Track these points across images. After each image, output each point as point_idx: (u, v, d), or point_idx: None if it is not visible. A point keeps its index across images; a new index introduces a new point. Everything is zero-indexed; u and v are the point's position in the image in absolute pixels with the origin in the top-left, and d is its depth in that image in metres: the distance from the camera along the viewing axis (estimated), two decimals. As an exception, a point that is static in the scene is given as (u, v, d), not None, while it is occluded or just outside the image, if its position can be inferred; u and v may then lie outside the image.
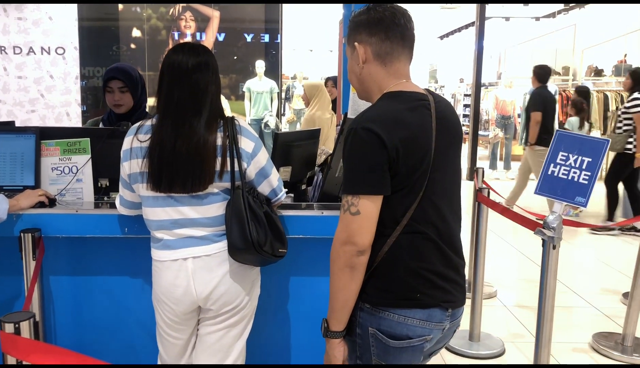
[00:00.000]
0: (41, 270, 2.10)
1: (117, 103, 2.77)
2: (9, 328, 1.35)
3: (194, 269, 1.86)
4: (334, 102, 6.06)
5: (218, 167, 1.82)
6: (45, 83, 8.11)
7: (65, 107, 8.21)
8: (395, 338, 1.49)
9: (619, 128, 6.16)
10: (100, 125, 2.86)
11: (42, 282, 2.18)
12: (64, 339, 2.31)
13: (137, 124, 1.91)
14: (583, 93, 7.41)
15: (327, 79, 6.24)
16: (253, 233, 1.81)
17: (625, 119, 6.08)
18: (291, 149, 2.47)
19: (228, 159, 1.83)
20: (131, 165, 1.87)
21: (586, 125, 6.85)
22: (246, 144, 1.88)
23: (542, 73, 6.64)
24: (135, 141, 1.86)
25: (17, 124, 2.87)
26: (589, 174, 2.41)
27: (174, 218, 1.85)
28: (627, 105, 6.14)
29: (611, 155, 6.40)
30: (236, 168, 1.84)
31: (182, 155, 1.79)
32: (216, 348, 1.97)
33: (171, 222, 1.86)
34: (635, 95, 6.01)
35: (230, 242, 1.84)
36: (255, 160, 1.89)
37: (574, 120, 6.86)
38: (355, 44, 1.58)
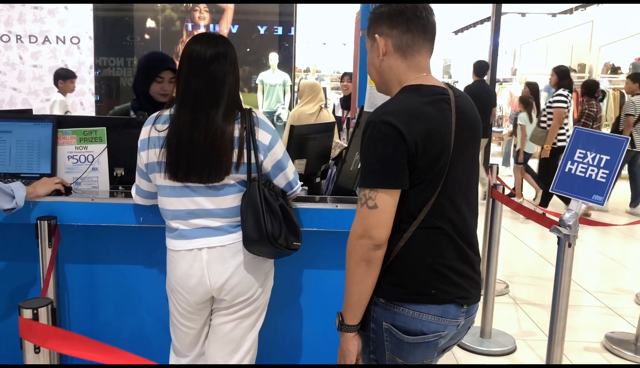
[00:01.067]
0: (57, 257, 2.11)
1: (164, 93, 2.75)
2: (28, 314, 1.36)
3: (208, 259, 1.86)
4: (349, 97, 6.06)
5: (235, 158, 1.82)
6: (60, 72, 8.14)
7: (79, 97, 8.25)
8: (409, 333, 1.48)
9: (544, 122, 6.57)
10: (131, 113, 2.83)
11: (58, 269, 2.20)
12: (78, 326, 2.33)
13: (155, 114, 1.91)
14: (532, 89, 7.93)
15: (344, 74, 6.24)
16: (268, 226, 1.81)
17: (549, 113, 6.47)
18: (306, 141, 2.47)
19: (245, 151, 1.83)
20: (149, 155, 1.88)
21: (534, 119, 7.05)
22: (263, 136, 1.87)
23: (478, 67, 7.25)
24: (153, 131, 1.86)
25: (33, 112, 2.88)
26: (607, 172, 2.38)
27: (190, 208, 1.86)
28: (550, 100, 6.56)
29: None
30: (253, 160, 1.84)
31: (199, 145, 1.80)
32: (228, 339, 1.98)
33: (187, 212, 1.86)
34: (560, 91, 6.44)
35: (245, 234, 1.84)
36: (272, 152, 1.89)
37: (523, 115, 7.32)
38: (376, 36, 1.56)
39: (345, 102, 6.11)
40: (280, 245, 1.86)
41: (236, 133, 1.83)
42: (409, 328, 1.48)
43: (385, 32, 1.54)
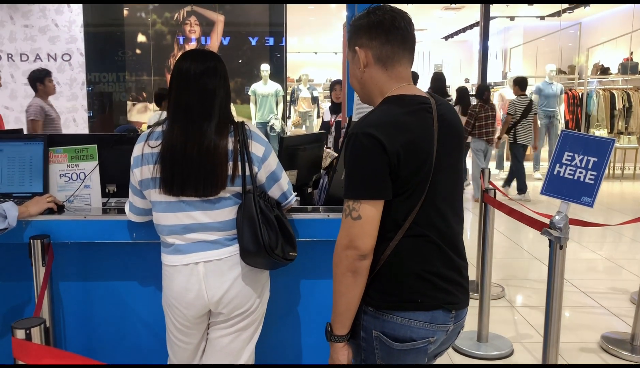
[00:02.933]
0: (50, 276, 2.12)
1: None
2: (20, 334, 1.37)
3: (205, 273, 1.87)
4: (340, 105, 6.10)
5: (230, 171, 1.84)
6: (52, 89, 8.15)
7: (72, 113, 8.27)
8: (399, 340, 1.49)
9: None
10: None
11: (52, 287, 2.20)
12: (74, 344, 2.33)
13: (147, 131, 1.93)
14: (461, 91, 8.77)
15: (335, 83, 6.27)
16: (265, 237, 1.83)
17: (509, 114, 7.87)
18: (297, 152, 2.48)
19: (239, 164, 1.85)
20: (142, 172, 1.89)
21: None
22: (257, 149, 1.89)
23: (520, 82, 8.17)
24: (146, 147, 1.87)
25: (24, 131, 2.89)
26: (594, 173, 2.40)
27: (186, 223, 1.87)
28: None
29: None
30: (247, 172, 1.86)
31: (193, 158, 1.81)
32: (226, 352, 1.98)
33: (182, 227, 1.87)
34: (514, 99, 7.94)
35: (242, 246, 1.86)
36: (265, 164, 1.91)
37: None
38: (356, 48, 1.58)
39: (334, 107, 6.17)
40: (277, 256, 1.87)
41: (230, 146, 1.84)
42: (398, 336, 1.49)
43: (365, 44, 1.56)
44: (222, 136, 1.84)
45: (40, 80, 5.86)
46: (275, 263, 1.92)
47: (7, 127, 7.78)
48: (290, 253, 1.94)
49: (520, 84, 8.04)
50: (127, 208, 2.06)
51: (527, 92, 10.10)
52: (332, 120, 6.46)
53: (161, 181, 1.84)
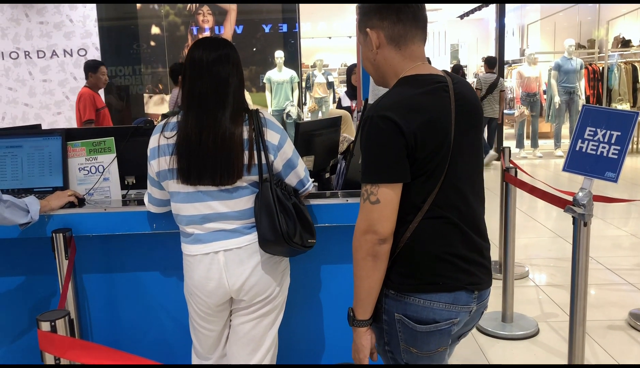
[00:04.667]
0: (74, 268, 2.14)
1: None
2: (45, 326, 1.39)
3: (225, 262, 1.87)
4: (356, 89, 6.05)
5: (246, 160, 1.83)
6: (70, 85, 8.26)
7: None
8: (422, 322, 1.48)
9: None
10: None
11: (75, 280, 2.23)
12: (99, 336, 2.37)
13: (162, 122, 1.93)
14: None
15: (353, 66, 6.20)
16: (282, 226, 1.83)
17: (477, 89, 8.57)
18: (313, 138, 2.47)
19: (255, 152, 1.84)
20: (159, 163, 1.89)
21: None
22: (272, 136, 1.89)
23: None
24: (162, 139, 1.88)
25: (44, 127, 2.92)
26: (618, 148, 2.35)
27: (204, 213, 1.87)
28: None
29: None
30: (263, 161, 1.86)
31: (209, 147, 1.81)
32: (249, 338, 1.99)
33: (201, 217, 1.88)
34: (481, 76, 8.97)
35: (260, 234, 1.86)
36: (281, 152, 1.91)
37: None
38: (367, 30, 1.55)
39: (354, 91, 6.12)
40: (296, 244, 1.87)
41: (245, 135, 1.84)
42: (421, 318, 1.48)
43: (376, 25, 1.53)
44: (237, 124, 1.83)
45: (93, 69, 5.79)
46: (294, 251, 1.92)
47: (28, 123, 7.89)
48: (309, 241, 1.93)
49: (488, 62, 9.24)
50: (146, 200, 2.07)
51: (546, 68, 9.98)
52: (354, 105, 6.40)
53: (178, 171, 1.84)
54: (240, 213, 1.88)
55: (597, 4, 11.24)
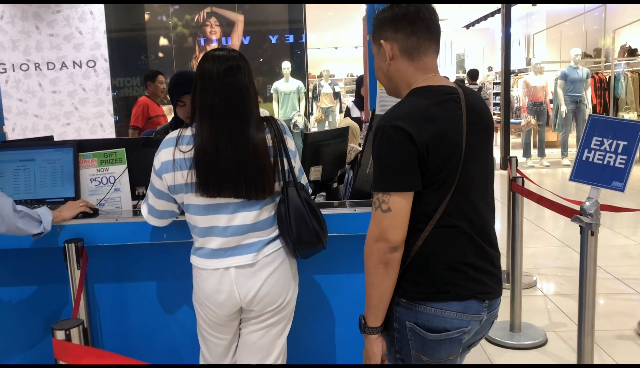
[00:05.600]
0: (86, 278, 2.17)
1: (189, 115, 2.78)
2: (60, 335, 1.41)
3: (236, 275, 1.88)
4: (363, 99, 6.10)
5: (273, 171, 1.87)
6: (79, 96, 8.33)
7: (98, 119, 8.41)
8: (432, 331, 1.49)
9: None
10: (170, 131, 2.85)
11: (87, 289, 2.25)
12: (111, 344, 2.38)
13: (174, 135, 1.90)
14: None
15: (362, 78, 6.24)
16: (316, 226, 1.88)
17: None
18: (321, 148, 2.49)
19: (278, 159, 1.88)
20: (175, 177, 1.86)
21: None
22: (290, 143, 1.94)
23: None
24: (177, 152, 1.85)
25: (54, 138, 2.96)
26: (625, 157, 2.36)
27: (223, 225, 1.86)
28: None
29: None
30: (286, 166, 1.89)
31: (228, 158, 1.81)
32: (258, 347, 2.00)
33: (221, 229, 1.87)
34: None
35: (295, 238, 1.87)
36: (297, 158, 1.96)
37: None
38: (381, 41, 1.58)
39: (362, 102, 6.17)
40: (324, 242, 1.93)
41: (269, 143, 1.87)
42: (432, 326, 1.49)
43: (390, 37, 1.56)
44: (260, 134, 1.85)
45: (151, 78, 5.90)
46: (315, 251, 1.96)
47: (38, 134, 7.97)
48: (326, 238, 1.98)
49: (471, 74, 10.34)
50: (145, 212, 2.02)
51: (552, 77, 9.98)
52: (363, 116, 6.42)
53: (197, 185, 1.83)
54: (262, 223, 1.89)
55: (604, 13, 11.25)
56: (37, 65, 8.21)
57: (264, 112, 2.26)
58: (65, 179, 2.39)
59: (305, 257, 1.95)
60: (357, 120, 6.14)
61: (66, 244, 2.11)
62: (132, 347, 2.38)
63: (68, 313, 2.35)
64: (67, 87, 8.28)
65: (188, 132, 1.88)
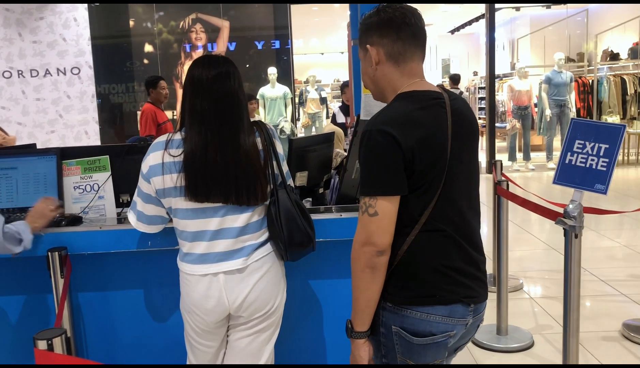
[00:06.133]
0: (69, 286, 2.14)
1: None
2: (42, 345, 1.39)
3: (225, 280, 1.87)
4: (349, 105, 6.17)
5: (265, 176, 1.88)
6: (63, 103, 8.28)
7: (83, 126, 8.36)
8: (418, 335, 1.50)
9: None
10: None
11: (71, 298, 2.22)
12: (95, 353, 2.36)
13: (162, 139, 1.89)
14: None
15: (344, 85, 6.33)
16: (306, 227, 1.90)
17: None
18: (306, 153, 2.49)
19: (268, 163, 1.89)
20: (164, 181, 1.85)
21: None
22: (279, 147, 1.95)
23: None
24: (167, 156, 1.84)
25: (38, 145, 2.93)
26: (606, 160, 2.39)
27: (214, 229, 1.86)
28: None
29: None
30: (276, 170, 1.91)
31: (218, 163, 1.81)
32: (246, 353, 1.99)
33: (212, 233, 1.86)
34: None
35: (286, 240, 1.88)
36: (284, 161, 1.98)
37: None
38: (368, 46, 1.59)
39: (346, 108, 6.25)
40: (314, 243, 1.94)
41: (259, 147, 1.87)
42: (418, 330, 1.50)
43: (376, 42, 1.57)
44: (251, 139, 1.85)
45: (152, 85, 5.80)
46: (305, 253, 1.97)
47: (21, 142, 7.88)
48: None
49: (452, 79, 10.71)
50: (133, 219, 1.99)
51: (536, 81, 10.09)
52: (348, 121, 6.48)
53: (186, 188, 1.82)
54: (251, 226, 1.89)
55: (586, 18, 11.40)
56: (20, 72, 8.14)
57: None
58: (48, 186, 2.36)
59: (295, 259, 1.94)
60: (342, 125, 6.21)
61: (49, 253, 2.09)
62: (117, 356, 2.36)
63: (51, 323, 2.32)
64: (51, 95, 8.23)
65: (177, 135, 1.87)
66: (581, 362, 2.89)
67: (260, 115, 8.91)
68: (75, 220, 2.24)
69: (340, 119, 6.43)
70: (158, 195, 1.90)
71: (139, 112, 8.90)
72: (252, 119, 1.93)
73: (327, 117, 11.23)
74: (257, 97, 8.94)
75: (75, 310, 2.31)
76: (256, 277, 1.89)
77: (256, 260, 1.89)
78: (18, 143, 7.08)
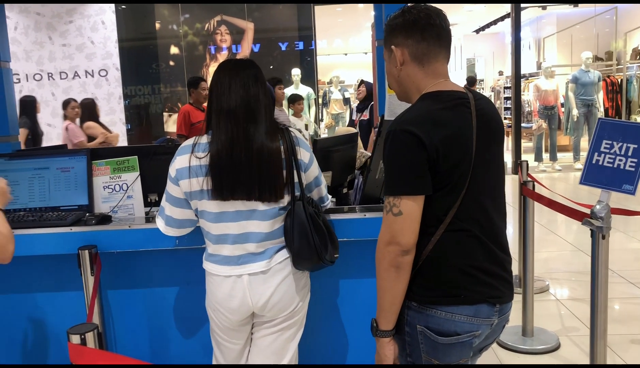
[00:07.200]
0: (99, 284, 2.20)
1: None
2: (76, 339, 1.43)
3: (249, 281, 1.89)
4: (363, 103, 6.40)
5: (284, 179, 1.87)
6: (91, 105, 8.39)
7: (111, 127, 8.49)
8: (443, 334, 1.50)
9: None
10: None
11: (101, 295, 2.28)
12: (125, 349, 2.40)
13: (190, 142, 1.92)
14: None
15: (361, 82, 6.50)
16: (317, 243, 1.87)
17: None
18: (330, 153, 2.50)
19: (288, 171, 1.88)
20: (191, 184, 1.88)
21: None
22: (304, 155, 1.92)
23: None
24: (193, 159, 1.86)
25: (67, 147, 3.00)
26: (635, 160, 2.35)
27: (236, 233, 1.88)
28: None
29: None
30: (296, 179, 1.89)
31: (241, 160, 1.82)
32: (270, 351, 2.02)
33: (234, 237, 1.88)
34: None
35: (294, 252, 1.89)
36: (310, 170, 1.95)
37: None
38: (392, 47, 1.60)
39: (359, 106, 6.57)
40: (327, 260, 1.91)
41: (282, 153, 1.87)
42: (443, 330, 1.50)
43: (401, 43, 1.58)
44: (274, 141, 1.85)
45: (194, 85, 5.89)
46: (321, 266, 1.95)
47: (50, 143, 8.06)
48: (335, 256, 1.97)
49: (468, 81, 11.02)
50: (162, 224, 2.02)
51: (563, 81, 9.94)
52: (357, 118, 6.61)
53: (212, 189, 1.84)
54: (272, 234, 1.90)
55: (615, 16, 11.19)
56: (50, 75, 8.32)
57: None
58: (78, 186, 2.42)
59: (303, 269, 1.96)
60: (351, 122, 6.56)
61: (80, 251, 2.14)
62: (146, 352, 2.40)
63: (82, 319, 2.37)
64: (79, 96, 8.36)
65: (204, 139, 1.89)
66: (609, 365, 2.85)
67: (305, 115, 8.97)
68: (105, 219, 2.29)
69: (354, 115, 6.64)
70: (188, 198, 1.92)
71: (165, 114, 9.04)
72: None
73: (351, 117, 11.24)
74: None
75: (105, 306, 2.36)
76: (279, 278, 1.91)
77: (279, 262, 1.91)
78: (48, 144, 7.23)
